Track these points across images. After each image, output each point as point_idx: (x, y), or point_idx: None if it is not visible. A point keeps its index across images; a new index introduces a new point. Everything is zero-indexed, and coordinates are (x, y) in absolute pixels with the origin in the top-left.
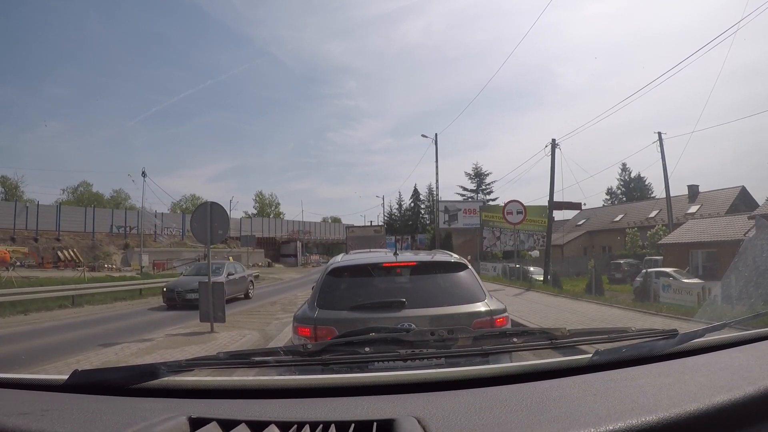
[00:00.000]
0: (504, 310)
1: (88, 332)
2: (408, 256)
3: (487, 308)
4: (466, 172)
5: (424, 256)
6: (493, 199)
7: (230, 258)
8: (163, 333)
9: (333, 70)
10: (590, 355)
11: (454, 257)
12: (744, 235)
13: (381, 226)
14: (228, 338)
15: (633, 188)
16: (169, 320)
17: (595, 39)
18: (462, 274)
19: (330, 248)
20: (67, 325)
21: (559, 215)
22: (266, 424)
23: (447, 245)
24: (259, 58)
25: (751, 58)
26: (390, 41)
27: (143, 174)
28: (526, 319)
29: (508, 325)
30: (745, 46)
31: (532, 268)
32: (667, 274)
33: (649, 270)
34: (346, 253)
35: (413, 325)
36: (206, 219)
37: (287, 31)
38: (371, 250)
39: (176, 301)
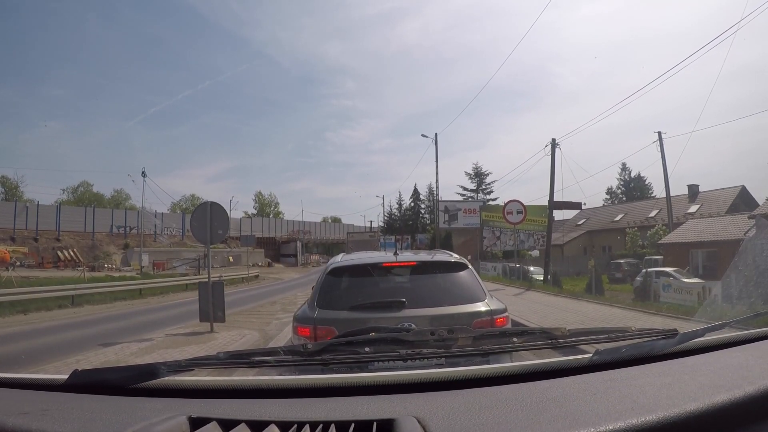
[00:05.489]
0: (504, 310)
1: (88, 332)
2: (408, 256)
3: (488, 308)
4: (466, 172)
5: (424, 256)
6: (493, 199)
7: (230, 258)
8: (162, 333)
9: (331, 71)
10: (590, 355)
11: (455, 257)
12: (744, 234)
13: (375, 231)
14: (228, 338)
15: (633, 188)
16: (169, 320)
17: (592, 39)
18: (462, 273)
19: (330, 248)
20: (67, 324)
21: (559, 215)
22: (266, 423)
23: (447, 245)
24: (256, 59)
25: (751, 58)
26: (387, 42)
27: (143, 174)
28: (526, 319)
29: (509, 325)
30: (745, 46)
31: (532, 268)
32: (668, 274)
33: (649, 270)
34: (347, 253)
35: (413, 325)
36: (206, 219)
37: (284, 32)
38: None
39: None
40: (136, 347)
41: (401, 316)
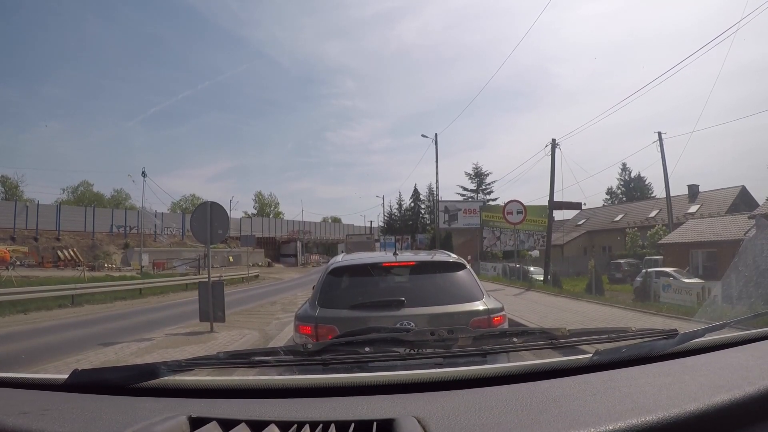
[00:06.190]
0: (501, 309)
1: (88, 331)
2: (407, 256)
3: (485, 307)
4: (466, 172)
5: (422, 256)
6: (493, 199)
7: (230, 258)
8: (162, 332)
9: (330, 71)
10: (590, 355)
11: (453, 257)
12: (744, 234)
13: (371, 234)
14: (228, 338)
15: (633, 188)
16: (169, 320)
17: (591, 39)
18: (460, 273)
19: (330, 248)
20: (67, 324)
21: (559, 215)
22: (266, 423)
23: (447, 245)
24: (256, 59)
25: (751, 58)
26: (387, 41)
27: (143, 174)
28: (526, 319)
29: (506, 324)
30: (745, 46)
31: (532, 268)
32: (667, 274)
33: (649, 270)
34: (347, 253)
35: (412, 324)
36: (206, 219)
37: (284, 32)
38: (368, 252)
39: None
40: (136, 347)
41: (400, 314)
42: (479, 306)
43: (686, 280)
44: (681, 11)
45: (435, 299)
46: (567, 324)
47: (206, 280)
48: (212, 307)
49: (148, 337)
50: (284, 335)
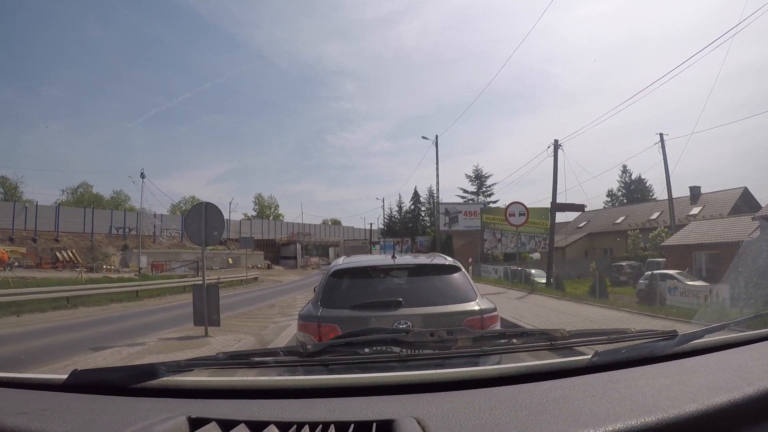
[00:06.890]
0: (494, 309)
1: (81, 335)
2: (405, 259)
3: (478, 307)
4: (466, 175)
5: (419, 259)
6: (494, 202)
7: (229, 260)
8: (156, 337)
9: (330, 73)
10: (590, 356)
11: (449, 260)
12: (748, 236)
13: (367, 239)
14: (223, 343)
15: (634, 190)
16: (164, 323)
17: (591, 40)
18: (455, 275)
19: (329, 250)
20: (60, 327)
21: (559, 217)
22: (266, 424)
23: (447, 247)
24: (256, 61)
25: (752, 58)
26: (386, 43)
27: (142, 175)
28: (530, 323)
29: (498, 324)
30: (745, 47)
31: (533, 271)
32: (671, 276)
33: (654, 272)
34: (347, 256)
35: (409, 323)
36: (201, 220)
37: (283, 33)
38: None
39: None
40: (127, 352)
41: (398, 314)
42: (473, 306)
43: (690, 283)
44: (681, 11)
45: (431, 300)
46: (572, 328)
47: (201, 282)
48: (206, 310)
49: (141, 341)
50: (281, 340)
